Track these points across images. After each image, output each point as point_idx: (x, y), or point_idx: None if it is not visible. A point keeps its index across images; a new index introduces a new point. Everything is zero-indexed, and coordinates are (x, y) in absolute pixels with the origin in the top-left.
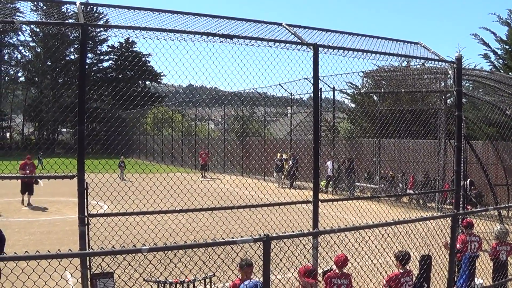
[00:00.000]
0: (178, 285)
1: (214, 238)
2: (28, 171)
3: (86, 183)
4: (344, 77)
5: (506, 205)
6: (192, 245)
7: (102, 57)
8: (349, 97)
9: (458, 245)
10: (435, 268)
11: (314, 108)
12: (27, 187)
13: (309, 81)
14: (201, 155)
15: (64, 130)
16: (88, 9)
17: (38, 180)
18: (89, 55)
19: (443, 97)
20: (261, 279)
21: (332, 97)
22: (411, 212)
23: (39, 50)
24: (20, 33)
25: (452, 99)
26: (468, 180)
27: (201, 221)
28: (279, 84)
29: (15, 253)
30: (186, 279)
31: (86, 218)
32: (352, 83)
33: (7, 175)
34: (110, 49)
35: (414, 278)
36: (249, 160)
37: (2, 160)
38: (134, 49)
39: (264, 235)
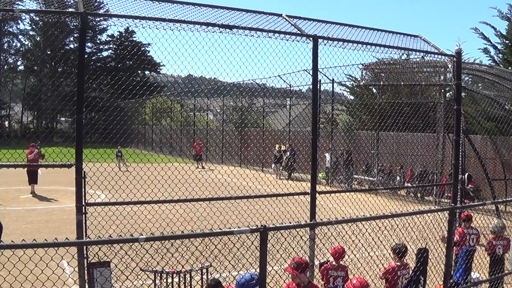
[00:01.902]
0: (174, 275)
1: (211, 228)
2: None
3: (84, 172)
4: (343, 69)
5: (504, 199)
6: (189, 235)
7: (101, 47)
8: (348, 90)
9: (456, 238)
10: (431, 261)
11: (313, 100)
12: (33, 176)
13: (308, 73)
14: (195, 146)
15: (63, 119)
16: None
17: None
18: (89, 44)
19: (442, 90)
20: (258, 270)
21: (331, 89)
22: (409, 205)
23: (38, 38)
24: (19, 21)
25: (451, 92)
26: (466, 174)
27: (199, 211)
28: (278, 76)
29: (12, 241)
30: (183, 269)
31: (83, 207)
32: (351, 75)
33: (5, 163)
34: (110, 39)
35: (410, 271)
36: (247, 151)
37: (0, 148)
38: (134, 38)
39: (262, 225)
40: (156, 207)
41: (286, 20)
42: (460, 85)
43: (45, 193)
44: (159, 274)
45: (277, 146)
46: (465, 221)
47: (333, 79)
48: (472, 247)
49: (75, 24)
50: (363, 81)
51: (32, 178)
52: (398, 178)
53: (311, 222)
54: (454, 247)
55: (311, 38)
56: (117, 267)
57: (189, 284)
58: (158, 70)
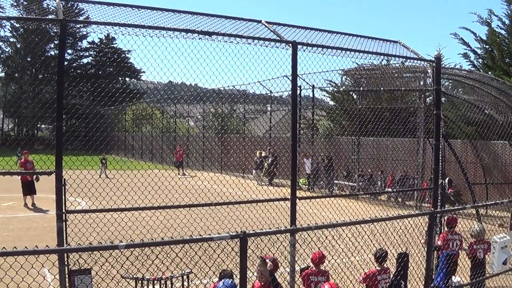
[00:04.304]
0: (155, 282)
1: (191, 235)
2: (29, 168)
3: (64, 179)
4: (323, 75)
5: (484, 203)
6: (169, 242)
7: (82, 53)
8: (328, 95)
9: (439, 242)
10: (412, 265)
11: (292, 106)
12: (30, 187)
13: (289, 79)
14: (176, 152)
15: (43, 126)
16: (69, 5)
17: (39, 177)
18: (69, 51)
19: (422, 95)
20: (238, 276)
21: (311, 95)
22: (390, 210)
23: (19, 45)
24: (0, 28)
25: (431, 97)
26: (447, 178)
27: (179, 218)
28: (259, 82)
29: None
30: (164, 276)
31: (64, 215)
32: (331, 81)
33: None
34: (90, 45)
35: (391, 276)
36: (228, 157)
37: None
38: (114, 45)
39: (241, 232)
40: (137, 214)
41: (266, 26)
42: (439, 90)
43: (27, 201)
44: (140, 281)
45: (257, 152)
46: (448, 225)
47: (313, 85)
48: (452, 251)
49: (55, 31)
50: (343, 87)
51: (30, 189)
52: (378, 183)
53: (291, 228)
54: (437, 251)
55: (290, 44)
56: (98, 274)
57: None
58: (138, 76)
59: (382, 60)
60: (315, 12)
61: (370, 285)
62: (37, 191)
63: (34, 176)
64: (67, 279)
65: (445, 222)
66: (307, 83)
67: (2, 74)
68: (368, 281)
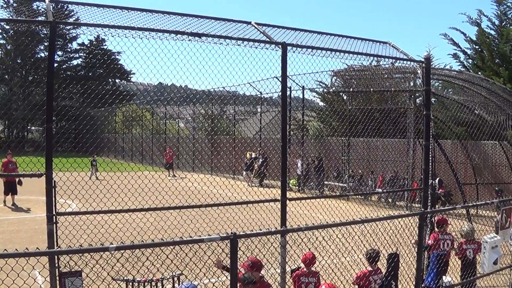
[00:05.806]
0: (146, 284)
1: (182, 236)
2: (10, 169)
3: (54, 181)
4: (313, 76)
5: (474, 203)
6: (159, 244)
7: (72, 55)
8: (318, 96)
9: (429, 242)
10: (402, 266)
11: (282, 107)
12: (10, 187)
13: (279, 80)
14: (165, 154)
15: (34, 128)
16: (59, 6)
17: (21, 179)
18: (59, 52)
19: (412, 96)
20: (229, 277)
21: (301, 96)
22: (380, 211)
23: (9, 47)
24: None
25: (421, 98)
26: (437, 179)
27: (169, 219)
28: (248, 83)
29: None
30: (154, 278)
31: (54, 217)
32: (321, 82)
33: None
34: (80, 47)
35: (383, 276)
36: (217, 158)
37: None
38: (104, 47)
39: (232, 233)
40: (127, 216)
41: (255, 27)
42: (429, 91)
43: (16, 202)
44: (130, 283)
45: (248, 153)
46: (439, 226)
47: (303, 86)
48: (442, 251)
49: (45, 32)
50: (333, 88)
51: (11, 189)
52: (370, 183)
53: (282, 229)
54: (427, 251)
55: (280, 46)
56: (88, 276)
57: None
58: (128, 78)
59: (372, 61)
60: (304, 13)
61: (362, 286)
62: (28, 193)
63: (17, 179)
64: (57, 281)
65: (435, 223)
66: (297, 84)
67: None
68: (359, 282)
